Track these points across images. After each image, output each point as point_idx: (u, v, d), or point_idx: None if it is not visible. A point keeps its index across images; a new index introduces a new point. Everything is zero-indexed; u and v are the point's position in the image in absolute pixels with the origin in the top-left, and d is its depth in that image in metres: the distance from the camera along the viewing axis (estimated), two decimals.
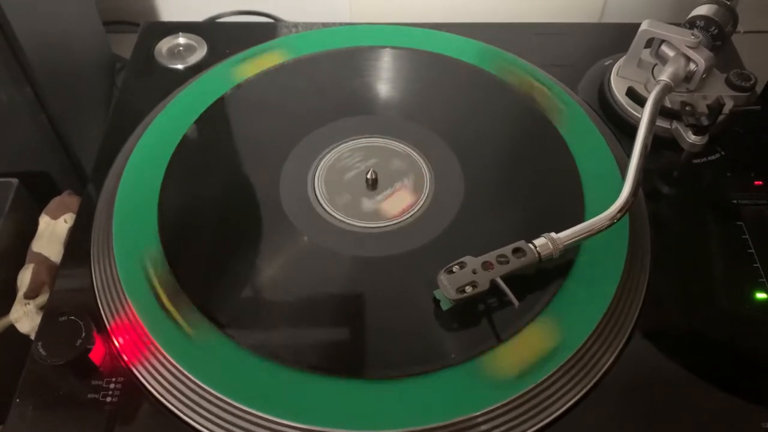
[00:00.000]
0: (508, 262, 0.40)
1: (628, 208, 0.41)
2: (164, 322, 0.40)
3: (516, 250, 0.40)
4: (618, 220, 0.41)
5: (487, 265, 0.40)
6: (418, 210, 0.46)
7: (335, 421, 0.36)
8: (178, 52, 0.58)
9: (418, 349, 0.40)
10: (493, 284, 0.39)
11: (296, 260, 0.44)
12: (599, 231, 0.41)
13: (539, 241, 0.41)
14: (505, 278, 0.39)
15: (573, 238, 0.41)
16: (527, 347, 0.39)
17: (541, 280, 0.42)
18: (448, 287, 0.39)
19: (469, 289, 0.39)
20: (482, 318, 0.41)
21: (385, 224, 0.46)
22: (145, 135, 0.50)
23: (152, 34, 0.59)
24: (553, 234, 0.41)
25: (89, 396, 0.38)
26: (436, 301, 0.41)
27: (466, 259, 0.40)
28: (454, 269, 0.40)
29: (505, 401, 0.37)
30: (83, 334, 0.38)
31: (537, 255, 0.40)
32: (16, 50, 0.47)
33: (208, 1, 0.73)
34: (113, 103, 0.56)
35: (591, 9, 0.74)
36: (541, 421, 0.37)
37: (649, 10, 0.71)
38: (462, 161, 0.49)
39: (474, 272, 0.39)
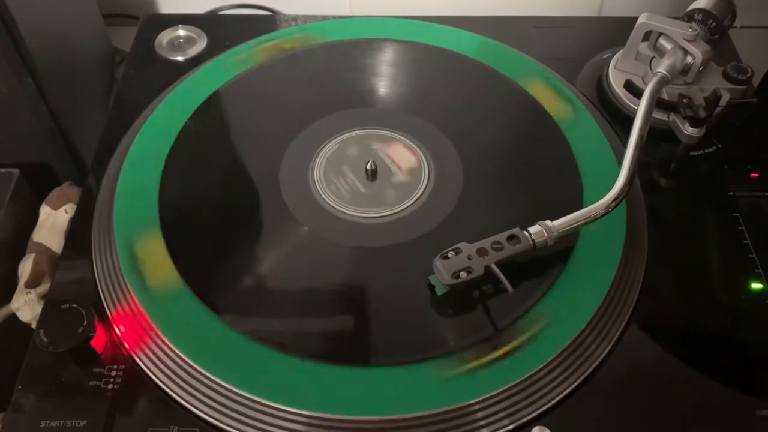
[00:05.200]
0: (502, 249, 0.40)
1: (623, 197, 0.42)
2: (165, 310, 0.40)
3: (511, 237, 0.41)
4: (613, 208, 0.41)
5: (482, 252, 0.40)
6: (417, 200, 0.47)
7: (335, 407, 0.37)
8: (178, 44, 0.59)
9: (416, 337, 0.40)
10: (488, 270, 0.40)
11: (296, 250, 0.44)
12: (594, 219, 0.41)
13: (534, 229, 0.41)
14: (502, 267, 0.40)
15: (568, 226, 0.41)
16: (523, 336, 0.40)
17: (538, 270, 0.42)
18: (443, 272, 0.39)
19: (463, 274, 0.39)
20: (479, 306, 0.41)
21: (385, 214, 0.46)
22: (145, 126, 0.50)
23: (152, 27, 0.60)
24: (548, 222, 0.41)
25: (91, 383, 0.39)
26: (432, 287, 0.41)
27: (462, 245, 0.40)
28: (450, 255, 0.40)
29: (501, 389, 0.37)
30: (85, 322, 0.39)
31: (531, 242, 0.40)
32: (17, 41, 0.47)
33: None
34: (113, 95, 0.56)
35: (590, 2, 0.74)
36: (537, 410, 0.38)
37: (646, 3, 0.71)
38: (461, 153, 0.49)
39: (469, 258, 0.40)
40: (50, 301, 0.42)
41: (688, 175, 0.50)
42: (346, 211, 0.46)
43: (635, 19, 0.52)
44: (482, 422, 0.37)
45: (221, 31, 0.59)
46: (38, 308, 0.44)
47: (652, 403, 0.39)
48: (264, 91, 0.54)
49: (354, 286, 0.43)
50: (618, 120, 0.53)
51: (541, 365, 0.38)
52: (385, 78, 0.55)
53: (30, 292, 0.45)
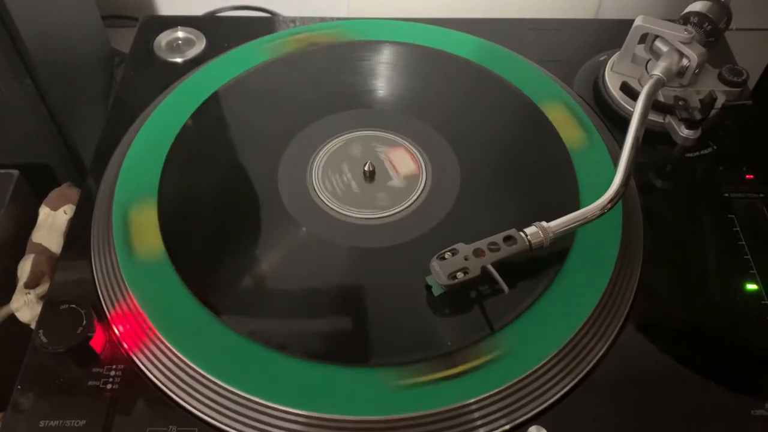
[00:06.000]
0: (499, 250, 0.41)
1: (618, 198, 0.42)
2: (164, 310, 0.40)
3: (507, 238, 0.41)
4: (608, 210, 0.42)
5: (478, 252, 0.40)
6: (415, 201, 0.47)
7: (332, 407, 0.37)
8: (177, 45, 0.59)
9: (413, 337, 0.40)
10: (485, 271, 0.40)
11: (294, 251, 0.44)
12: (590, 220, 0.42)
13: (530, 230, 0.41)
14: (498, 267, 0.40)
15: (563, 227, 0.41)
16: (519, 336, 0.40)
17: (535, 271, 0.43)
18: (439, 273, 0.40)
19: (460, 275, 0.40)
20: (476, 306, 0.41)
21: (383, 215, 0.46)
22: (144, 127, 0.50)
23: (151, 28, 0.60)
24: (544, 223, 0.41)
25: (90, 383, 0.39)
26: (428, 287, 0.41)
27: (458, 246, 0.41)
28: (446, 256, 0.40)
29: (498, 389, 0.38)
30: (84, 322, 0.39)
31: (527, 243, 0.41)
32: (16, 42, 0.48)
33: None
34: (112, 96, 0.56)
35: (587, 5, 0.74)
36: (534, 409, 0.38)
37: (644, 6, 0.71)
38: (458, 154, 0.50)
39: (466, 259, 0.40)
40: (49, 302, 0.42)
41: (684, 176, 0.50)
42: (344, 212, 0.46)
43: (631, 21, 0.52)
44: (479, 422, 0.37)
45: (220, 32, 0.60)
46: (37, 308, 0.44)
47: (648, 404, 0.39)
48: (262, 92, 0.54)
49: (352, 286, 0.43)
50: (614, 122, 0.53)
51: (538, 365, 0.39)
52: (382, 80, 0.56)
53: (29, 293, 0.45)
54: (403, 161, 0.49)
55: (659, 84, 0.49)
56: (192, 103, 0.52)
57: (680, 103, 0.50)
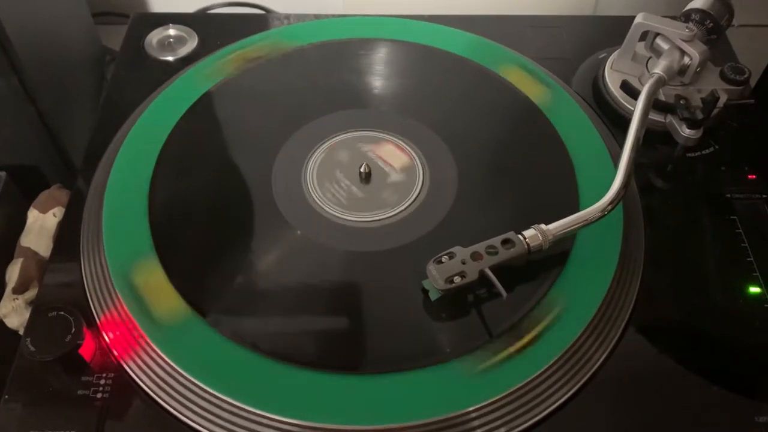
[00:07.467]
0: (497, 253, 0.40)
1: (619, 199, 0.41)
2: (154, 317, 0.40)
3: (505, 241, 0.40)
4: (609, 212, 0.41)
5: (476, 256, 0.40)
6: (412, 203, 0.46)
7: (326, 416, 0.36)
8: (169, 43, 0.58)
9: (411, 344, 0.40)
10: (482, 275, 0.39)
11: (288, 254, 0.44)
12: (590, 222, 0.41)
13: (529, 233, 0.41)
14: (497, 271, 0.39)
15: (563, 229, 0.41)
16: (519, 342, 0.39)
17: (535, 275, 0.42)
18: (436, 277, 0.39)
19: (457, 279, 0.39)
20: (474, 311, 0.41)
21: (379, 218, 0.45)
22: (135, 127, 0.49)
23: (142, 26, 0.59)
24: (543, 225, 0.41)
25: (79, 392, 0.38)
26: (425, 291, 0.40)
27: (456, 249, 0.40)
28: (443, 259, 0.40)
29: (498, 396, 0.37)
30: (73, 330, 0.38)
31: (526, 246, 0.40)
32: (3, 41, 0.47)
33: None
34: (103, 95, 0.55)
35: (585, 1, 0.73)
36: (535, 416, 0.37)
37: (644, 2, 0.71)
38: (456, 155, 0.49)
39: (463, 263, 0.39)
40: (37, 308, 0.41)
41: (685, 177, 0.49)
42: (340, 215, 0.45)
43: (631, 18, 0.52)
44: (478, 430, 0.36)
45: (212, 30, 0.59)
46: (26, 314, 0.43)
47: (649, 409, 0.38)
48: (256, 92, 0.53)
49: (347, 291, 0.42)
50: (614, 121, 0.52)
51: (538, 372, 0.38)
52: (378, 79, 0.55)
53: (17, 298, 0.44)
54: (396, 158, 0.49)
55: (660, 83, 0.48)
56: (184, 102, 0.51)
57: (681, 102, 0.49)
